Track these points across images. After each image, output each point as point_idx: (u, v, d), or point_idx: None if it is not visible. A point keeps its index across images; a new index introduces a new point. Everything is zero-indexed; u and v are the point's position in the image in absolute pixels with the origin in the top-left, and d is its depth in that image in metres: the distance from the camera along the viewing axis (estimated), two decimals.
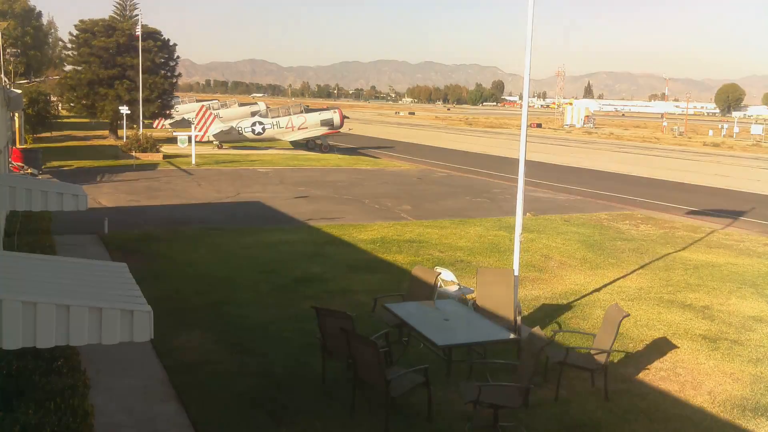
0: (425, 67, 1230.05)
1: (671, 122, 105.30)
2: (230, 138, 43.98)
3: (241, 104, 62.87)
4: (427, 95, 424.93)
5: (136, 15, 48.06)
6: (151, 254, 14.92)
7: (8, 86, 29.86)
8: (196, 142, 35.89)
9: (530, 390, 7.27)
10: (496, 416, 7.30)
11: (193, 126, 39.29)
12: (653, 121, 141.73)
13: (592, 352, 8.74)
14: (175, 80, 50.94)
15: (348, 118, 51.15)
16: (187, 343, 9.77)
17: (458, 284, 11.72)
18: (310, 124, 44.88)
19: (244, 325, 10.57)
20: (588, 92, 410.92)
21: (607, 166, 41.26)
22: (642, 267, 15.35)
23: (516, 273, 10.52)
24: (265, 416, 7.66)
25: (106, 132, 50.41)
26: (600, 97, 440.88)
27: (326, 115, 45.63)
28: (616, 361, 9.50)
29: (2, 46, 42.20)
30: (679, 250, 17.29)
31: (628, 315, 8.81)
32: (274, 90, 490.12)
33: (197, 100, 70.80)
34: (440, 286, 11.11)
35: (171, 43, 49.63)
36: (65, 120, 60.15)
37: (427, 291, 10.23)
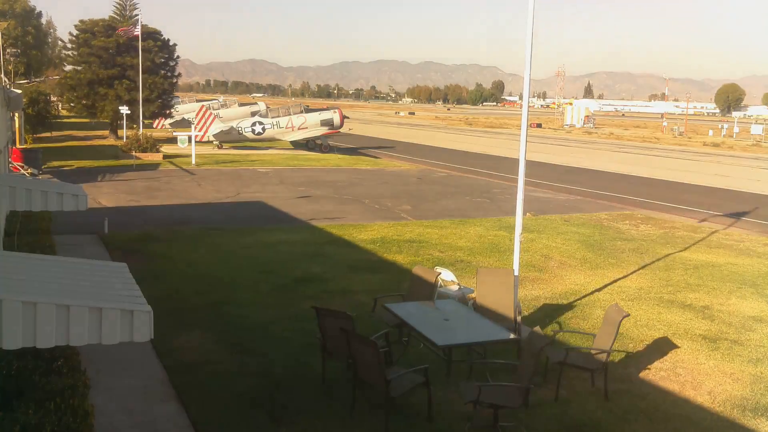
0: (425, 67, 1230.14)
1: (671, 122, 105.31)
2: (230, 138, 43.99)
3: (241, 104, 62.88)
4: (427, 95, 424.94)
5: (136, 15, 48.04)
6: (151, 254, 14.92)
7: (8, 86, 29.86)
8: (196, 142, 35.90)
9: (530, 390, 7.27)
10: (496, 416, 7.30)
11: (193, 126, 39.29)
12: (653, 121, 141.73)
13: (592, 352, 8.74)
14: (175, 80, 50.93)
15: (348, 118, 51.14)
16: (187, 343, 9.77)
17: (458, 284, 11.72)
18: (310, 124, 44.88)
19: (244, 325, 10.57)
20: (588, 92, 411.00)
21: (607, 166, 41.26)
22: (642, 267, 15.35)
23: (516, 273, 10.52)
24: (265, 416, 7.66)
25: (106, 132, 50.41)
26: (600, 97, 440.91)
27: (326, 115, 45.63)
28: (616, 361, 9.50)
29: (2, 46, 42.20)
30: (679, 250, 17.29)
31: (628, 315, 8.81)
32: (274, 90, 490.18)
33: (197, 100, 70.82)
34: (440, 286, 11.10)
35: (171, 43, 49.64)
36: (65, 120, 60.19)
37: (427, 291, 10.23)
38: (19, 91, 25.63)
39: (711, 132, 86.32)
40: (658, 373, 9.34)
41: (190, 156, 34.49)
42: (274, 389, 8.33)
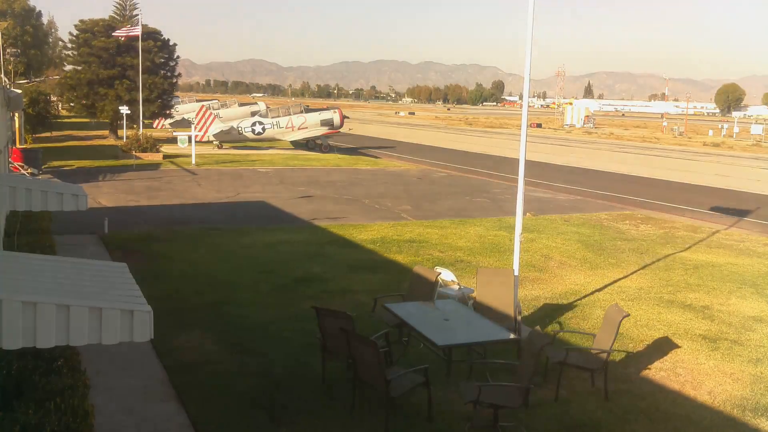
0: (425, 67, 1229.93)
1: (671, 122, 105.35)
2: (230, 138, 44.00)
3: (241, 104, 62.87)
4: (427, 95, 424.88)
5: (136, 15, 48.05)
6: (151, 254, 14.92)
7: (8, 86, 29.85)
8: (196, 142, 35.91)
9: (530, 390, 7.27)
10: (496, 416, 7.30)
11: (193, 126, 39.30)
12: (653, 121, 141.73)
13: (592, 352, 8.74)
14: (175, 80, 50.94)
15: (348, 118, 51.14)
16: (187, 343, 9.77)
17: (458, 284, 11.72)
18: (310, 124, 44.88)
19: (244, 325, 10.57)
20: (588, 92, 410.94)
21: (607, 166, 41.26)
22: (642, 267, 15.35)
23: (516, 273, 10.52)
24: (264, 416, 7.66)
25: (106, 132, 50.41)
26: (600, 97, 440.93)
27: (326, 115, 45.63)
28: (616, 361, 9.50)
29: (2, 46, 42.20)
30: (680, 250, 17.29)
31: (628, 315, 8.81)
32: (274, 90, 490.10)
33: (197, 100, 70.79)
34: (440, 286, 11.10)
35: (171, 43, 49.63)
36: (65, 120, 60.18)
37: (427, 291, 10.23)
38: (19, 91, 25.61)
39: (711, 132, 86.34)
40: (658, 373, 9.34)
41: (190, 156, 34.50)
42: (274, 389, 8.33)
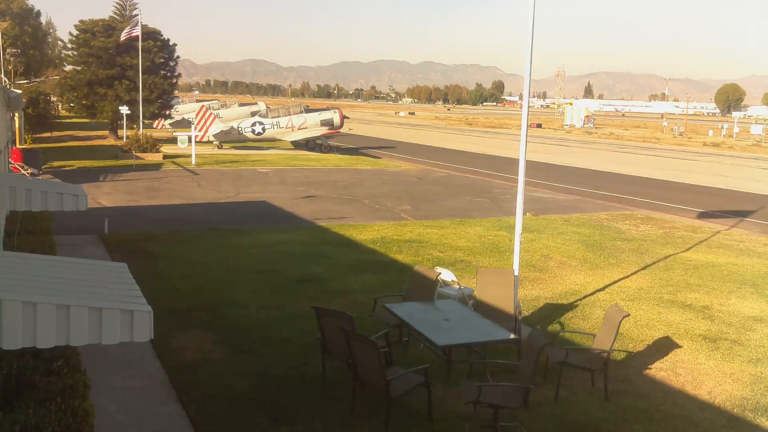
0: (425, 67, 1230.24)
1: (671, 122, 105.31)
2: (230, 138, 44.00)
3: (241, 104, 62.88)
4: (427, 95, 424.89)
5: (136, 15, 48.02)
6: (151, 254, 14.92)
7: (8, 86, 29.86)
8: (196, 142, 35.90)
9: (530, 390, 7.27)
10: (496, 416, 7.29)
11: (193, 126, 39.29)
12: (653, 121, 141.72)
13: (593, 352, 8.74)
14: (174, 80, 50.91)
15: (348, 118, 51.14)
16: (187, 343, 9.77)
17: (458, 284, 11.72)
18: (310, 124, 44.89)
19: (244, 325, 10.57)
20: (588, 92, 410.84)
21: (607, 167, 41.25)
22: (642, 267, 15.35)
23: (516, 273, 10.52)
24: (265, 416, 7.66)
25: (106, 132, 50.40)
26: (600, 97, 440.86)
27: (326, 115, 45.64)
28: (616, 361, 9.50)
29: (2, 46, 42.20)
30: (680, 251, 17.29)
31: (628, 315, 8.81)
32: (274, 90, 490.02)
33: (197, 100, 70.79)
34: (440, 286, 11.10)
35: (171, 43, 49.60)
36: (65, 120, 60.14)
37: (427, 291, 10.23)
38: (19, 91, 25.63)
39: (711, 132, 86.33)
40: (658, 373, 9.34)
41: (190, 156, 34.49)
42: (274, 389, 8.32)
